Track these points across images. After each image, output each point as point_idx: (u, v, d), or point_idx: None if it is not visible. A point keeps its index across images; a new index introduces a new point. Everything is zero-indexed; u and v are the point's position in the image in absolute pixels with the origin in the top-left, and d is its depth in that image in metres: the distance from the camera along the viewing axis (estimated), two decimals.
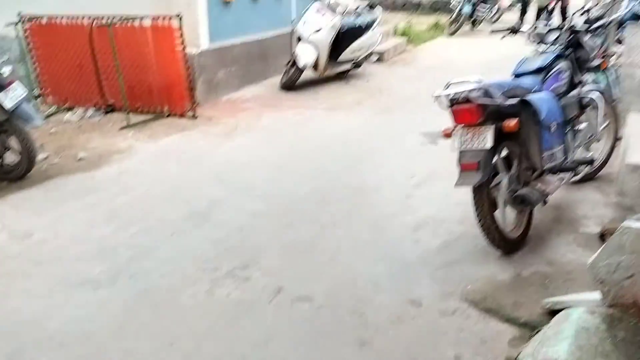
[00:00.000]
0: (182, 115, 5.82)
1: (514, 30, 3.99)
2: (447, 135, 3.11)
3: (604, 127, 4.06)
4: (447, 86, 3.02)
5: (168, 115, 5.84)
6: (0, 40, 6.06)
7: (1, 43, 6.03)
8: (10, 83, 4.11)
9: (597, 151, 4.27)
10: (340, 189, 4.10)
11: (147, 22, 5.53)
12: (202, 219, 3.67)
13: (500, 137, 2.98)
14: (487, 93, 2.91)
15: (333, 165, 4.59)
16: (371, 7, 7.78)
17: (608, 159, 4.22)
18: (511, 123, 2.89)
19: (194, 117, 5.81)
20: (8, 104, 4.04)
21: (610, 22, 5.07)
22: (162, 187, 4.12)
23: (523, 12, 12.26)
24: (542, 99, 2.97)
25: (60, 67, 5.99)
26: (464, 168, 2.97)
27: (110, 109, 5.97)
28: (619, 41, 6.52)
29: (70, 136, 5.33)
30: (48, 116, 5.80)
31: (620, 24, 7.40)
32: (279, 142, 5.20)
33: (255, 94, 6.88)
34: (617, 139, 4.21)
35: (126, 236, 3.46)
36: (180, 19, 5.43)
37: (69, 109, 6.07)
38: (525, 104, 2.93)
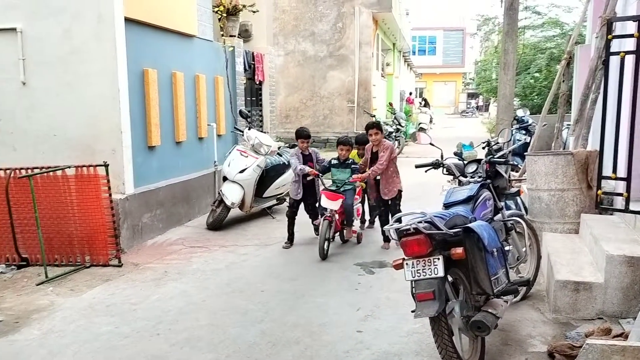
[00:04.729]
0: (105, 265, 5.49)
1: (437, 165, 4.37)
2: (397, 266, 3.19)
3: (527, 248, 4.38)
4: (395, 220, 3.16)
5: (90, 266, 5.48)
6: None
7: None
8: None
9: (525, 271, 4.56)
10: (289, 329, 3.95)
11: (70, 172, 5.40)
12: None
13: (448, 265, 3.11)
14: (432, 224, 3.08)
15: (275, 304, 4.46)
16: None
17: (535, 277, 4.50)
18: (458, 250, 3.04)
19: (119, 265, 5.50)
20: None
21: (509, 153, 5.72)
22: (94, 346, 3.71)
23: None
24: (482, 226, 3.18)
25: None
26: (421, 298, 3.03)
27: (24, 264, 5.51)
28: (512, 169, 7.31)
29: None
30: None
31: (513, 153, 8.35)
32: (214, 284, 5.00)
33: (182, 235, 6.72)
34: (540, 258, 4.54)
35: None
36: (107, 166, 5.36)
37: None
38: (468, 232, 3.12)
